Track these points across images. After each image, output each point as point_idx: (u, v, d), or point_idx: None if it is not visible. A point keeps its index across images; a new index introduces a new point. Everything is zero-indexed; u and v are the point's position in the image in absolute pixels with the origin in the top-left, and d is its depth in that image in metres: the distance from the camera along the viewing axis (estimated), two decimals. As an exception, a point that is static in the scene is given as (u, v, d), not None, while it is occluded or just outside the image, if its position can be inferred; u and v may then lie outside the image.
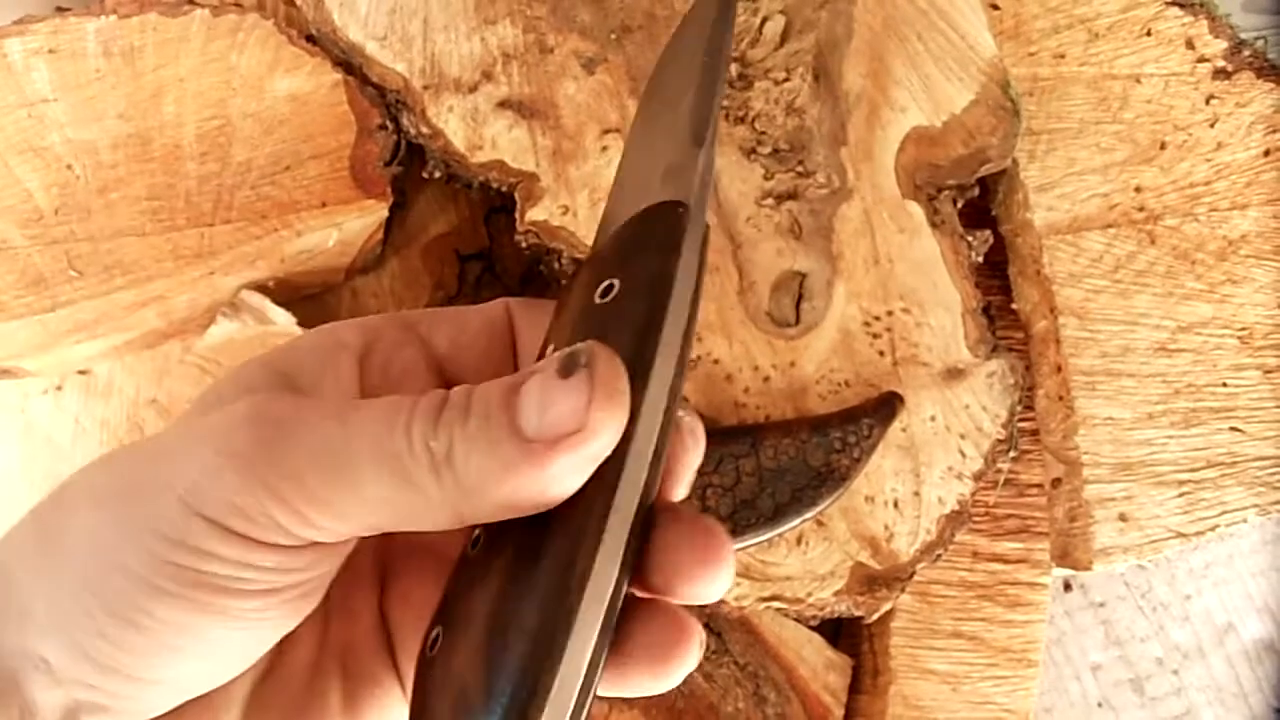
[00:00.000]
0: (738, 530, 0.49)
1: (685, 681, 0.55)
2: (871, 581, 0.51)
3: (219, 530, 0.25)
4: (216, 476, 0.26)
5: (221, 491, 0.25)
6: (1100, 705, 0.59)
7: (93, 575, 0.26)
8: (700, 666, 0.55)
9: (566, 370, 0.25)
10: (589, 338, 0.26)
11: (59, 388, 0.57)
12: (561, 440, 0.25)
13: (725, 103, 0.53)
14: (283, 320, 0.53)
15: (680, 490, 0.31)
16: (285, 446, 0.26)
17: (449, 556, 0.29)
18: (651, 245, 0.29)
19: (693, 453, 0.30)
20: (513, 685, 0.24)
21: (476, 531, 0.28)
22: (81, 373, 0.57)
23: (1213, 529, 0.51)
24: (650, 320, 0.27)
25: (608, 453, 0.25)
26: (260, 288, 0.54)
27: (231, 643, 0.27)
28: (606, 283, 0.28)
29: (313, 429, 0.26)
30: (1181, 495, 0.51)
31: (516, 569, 0.26)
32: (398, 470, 0.25)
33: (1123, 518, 0.51)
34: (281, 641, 0.29)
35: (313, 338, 0.32)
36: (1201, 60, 0.58)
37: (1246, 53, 0.58)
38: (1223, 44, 0.57)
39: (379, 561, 0.33)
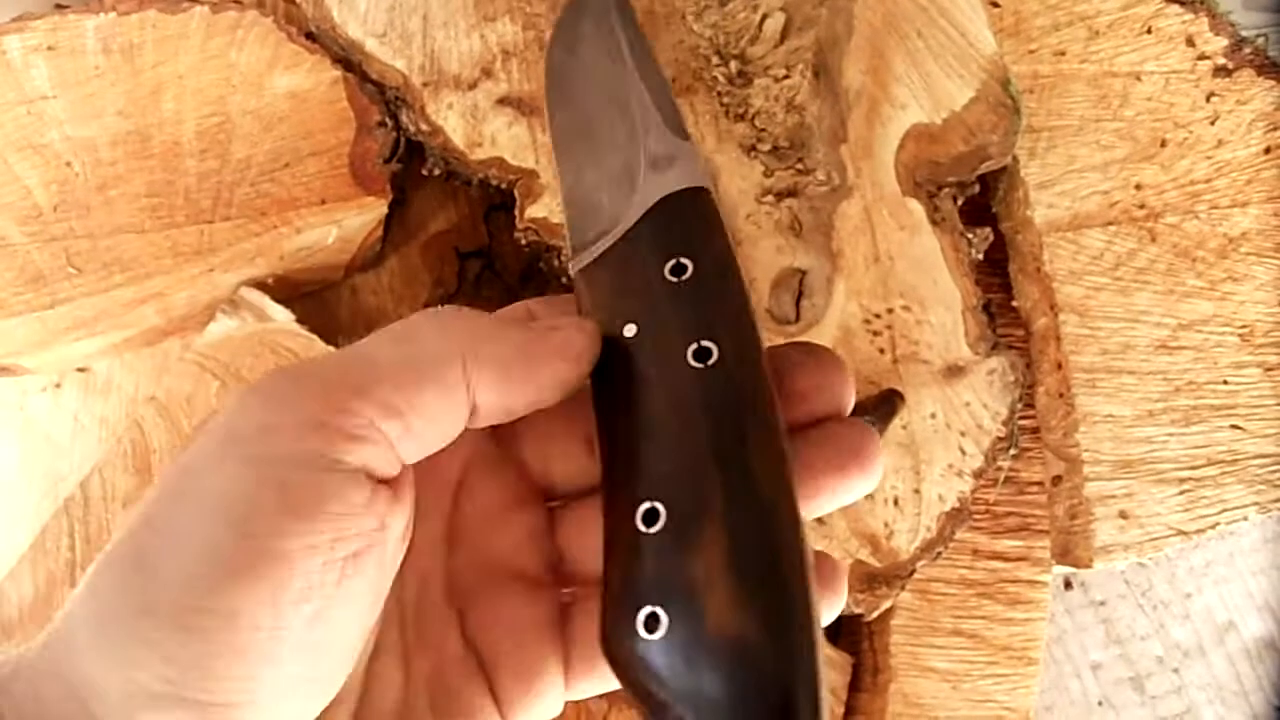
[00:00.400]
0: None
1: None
2: (871, 579, 0.51)
3: (286, 461, 0.26)
4: (258, 411, 0.27)
5: (270, 420, 0.27)
6: (1101, 704, 0.59)
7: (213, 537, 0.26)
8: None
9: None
10: (677, 312, 0.31)
11: (58, 385, 0.57)
12: (565, 335, 0.31)
13: (725, 100, 0.53)
14: (282, 317, 0.53)
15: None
16: (320, 369, 0.28)
17: (526, 574, 0.32)
18: (700, 226, 0.33)
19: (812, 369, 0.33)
20: (783, 601, 0.26)
21: (646, 507, 0.29)
22: (81, 370, 0.57)
23: (1213, 526, 0.51)
24: (737, 288, 0.32)
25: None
26: (260, 285, 0.54)
27: (326, 641, 0.27)
28: (674, 262, 0.32)
29: (338, 355, 0.30)
30: (1182, 493, 0.51)
31: (716, 529, 0.27)
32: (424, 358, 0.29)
33: (1123, 515, 0.51)
34: (367, 681, 0.30)
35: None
36: (1202, 58, 0.58)
37: (1247, 50, 0.58)
38: (1223, 41, 0.57)
39: (451, 593, 0.33)
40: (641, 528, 0.28)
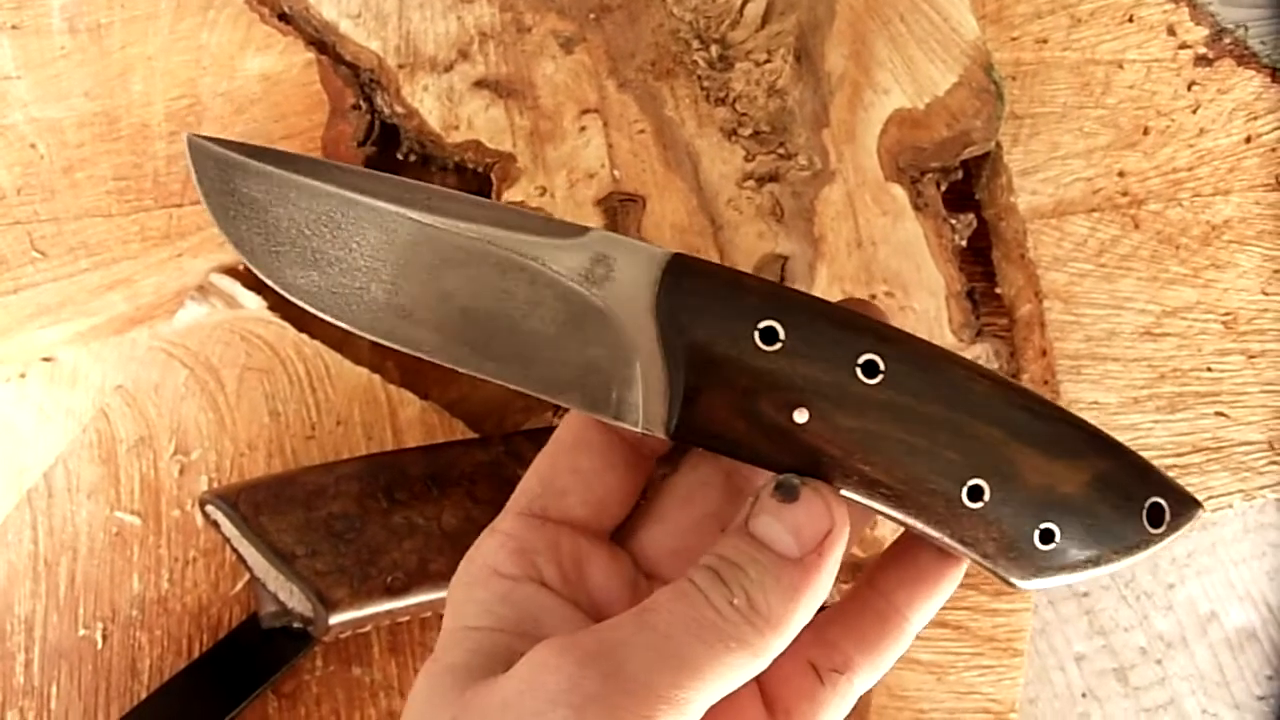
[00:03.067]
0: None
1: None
2: (855, 569, 0.51)
3: None
4: None
5: None
6: (1085, 695, 0.59)
7: None
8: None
9: (789, 494, 0.29)
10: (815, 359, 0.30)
11: (23, 375, 0.55)
12: (824, 544, 0.29)
13: (706, 84, 0.52)
14: (253, 305, 0.52)
15: None
16: (623, 670, 0.27)
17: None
18: (714, 283, 0.31)
19: None
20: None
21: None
22: (46, 360, 0.55)
23: (1198, 514, 0.51)
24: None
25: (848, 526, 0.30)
26: (230, 271, 0.52)
27: None
28: (764, 326, 0.30)
29: (633, 644, 0.27)
30: (1167, 480, 0.51)
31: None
32: (720, 635, 0.28)
33: (1108, 503, 0.50)
34: None
35: (477, 591, 0.31)
36: (1183, 47, 0.58)
37: (1227, 40, 0.58)
38: (1204, 31, 0.57)
39: None
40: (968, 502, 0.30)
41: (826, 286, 0.51)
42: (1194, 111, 0.57)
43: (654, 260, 0.30)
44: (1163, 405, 0.52)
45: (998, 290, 0.56)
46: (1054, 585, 0.31)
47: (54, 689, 0.48)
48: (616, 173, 0.51)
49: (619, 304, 0.30)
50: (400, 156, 0.53)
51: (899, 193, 0.52)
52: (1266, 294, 0.54)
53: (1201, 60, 0.57)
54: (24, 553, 0.49)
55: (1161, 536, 0.30)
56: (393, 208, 0.30)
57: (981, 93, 0.52)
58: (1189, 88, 0.57)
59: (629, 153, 0.51)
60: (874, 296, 0.51)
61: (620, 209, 0.51)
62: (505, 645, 0.29)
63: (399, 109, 0.51)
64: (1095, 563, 0.30)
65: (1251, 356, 0.53)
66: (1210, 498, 0.51)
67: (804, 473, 0.30)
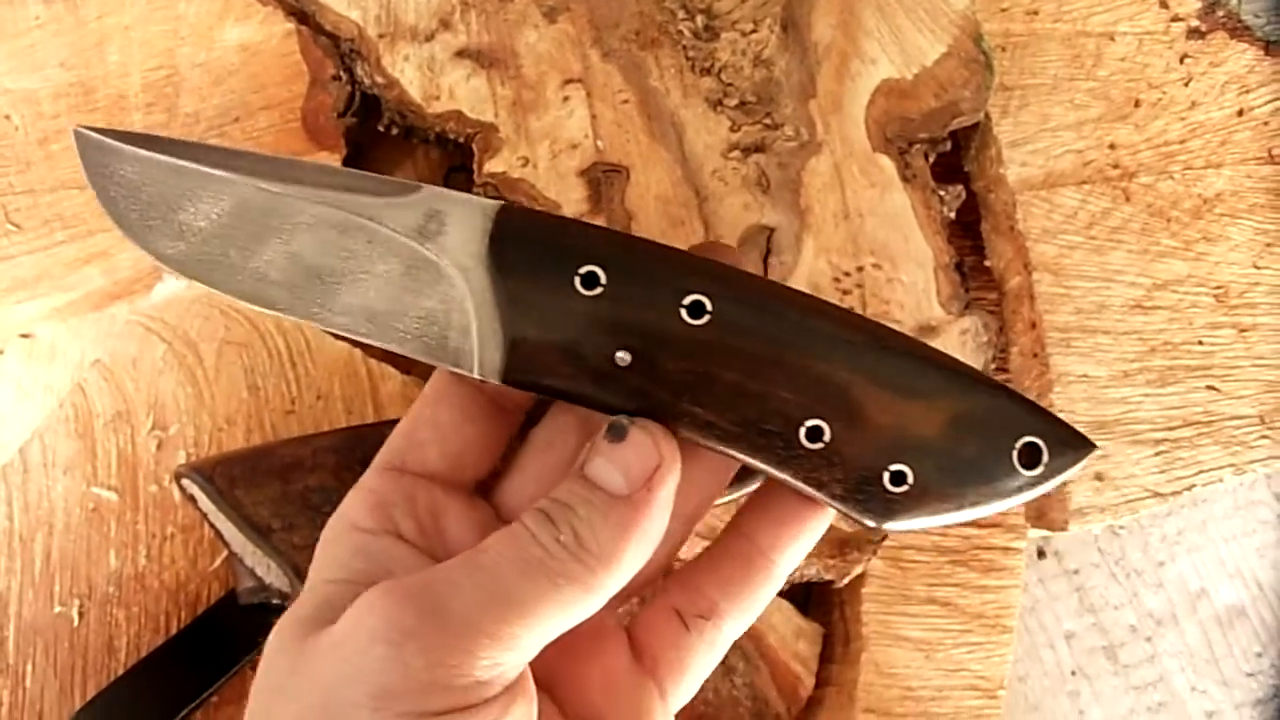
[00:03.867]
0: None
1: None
2: (842, 544, 0.50)
3: (420, 718, 0.26)
4: (399, 666, 0.26)
5: (411, 676, 0.26)
6: (1074, 673, 0.58)
7: None
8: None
9: (618, 434, 0.30)
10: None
11: (0, 352, 0.55)
12: (652, 480, 0.29)
13: (691, 54, 0.51)
14: (232, 278, 0.51)
15: None
16: (445, 607, 0.27)
17: (584, 627, 0.31)
18: (545, 230, 0.32)
19: None
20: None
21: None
22: (24, 336, 0.55)
23: (1189, 488, 0.50)
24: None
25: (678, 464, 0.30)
26: (209, 244, 0.51)
27: None
28: (583, 272, 0.30)
29: (456, 583, 0.28)
30: (1158, 454, 0.50)
31: None
32: (548, 571, 0.28)
33: (1099, 477, 0.50)
34: None
35: (335, 548, 0.32)
36: (1175, 19, 0.57)
37: (1220, 13, 0.57)
38: (1196, 4, 0.57)
39: (538, 682, 0.33)
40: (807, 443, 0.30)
41: (813, 259, 0.50)
42: (1186, 84, 0.56)
43: (484, 212, 0.31)
44: (1153, 379, 0.51)
45: (987, 263, 0.55)
46: (916, 528, 0.31)
47: (29, 666, 0.47)
48: (600, 143, 0.50)
49: (451, 256, 0.31)
50: (381, 128, 0.52)
51: (887, 164, 0.51)
52: (1258, 267, 0.54)
53: (1194, 33, 0.57)
54: (-1, 529, 0.48)
55: (1042, 479, 0.30)
56: (245, 179, 0.32)
57: (970, 63, 0.52)
58: (1181, 60, 0.56)
59: (613, 123, 0.50)
60: (861, 269, 0.50)
61: (604, 180, 0.50)
62: (354, 596, 0.29)
63: (379, 79, 0.50)
64: (959, 505, 0.30)
65: (1243, 330, 0.53)
66: (1201, 472, 0.50)
67: (639, 414, 0.30)
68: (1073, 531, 0.48)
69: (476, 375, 0.31)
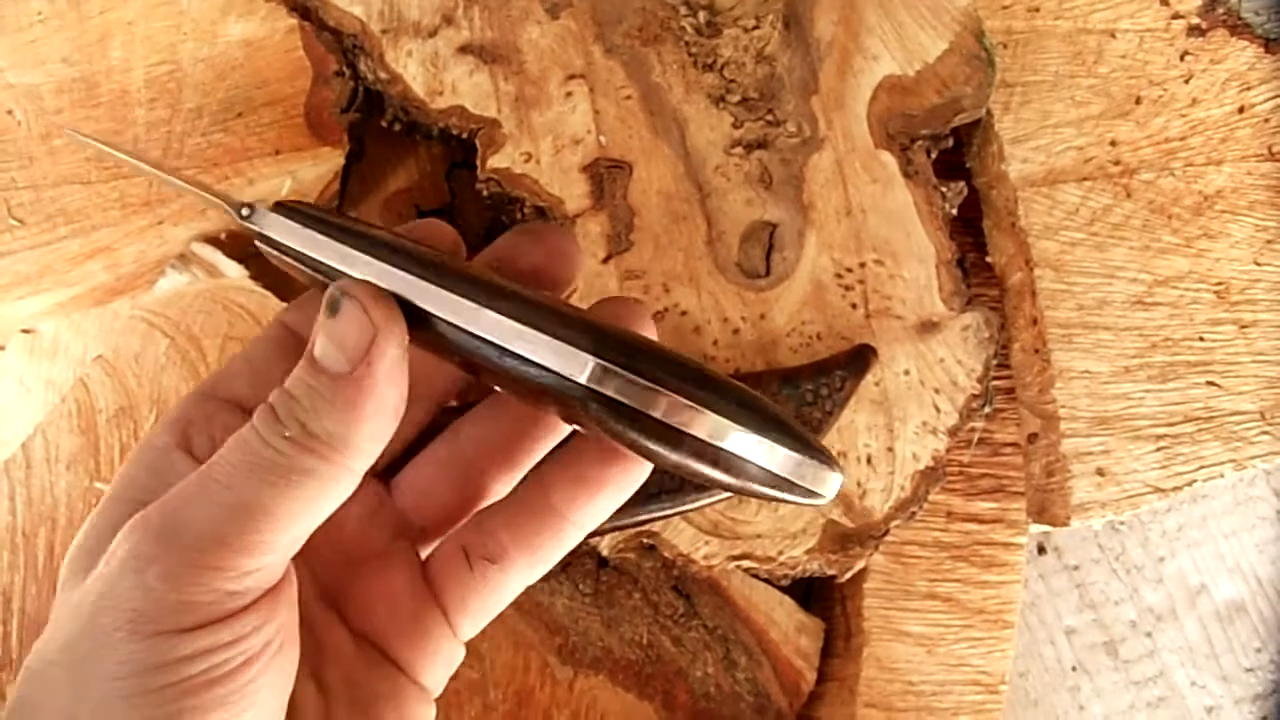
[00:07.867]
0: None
1: (653, 646, 0.53)
2: (844, 539, 0.50)
3: (177, 635, 0.26)
4: (145, 590, 0.26)
5: (158, 599, 0.26)
6: (1074, 669, 0.59)
7: None
8: (668, 630, 0.53)
9: (333, 309, 0.29)
10: None
11: (2, 348, 0.55)
12: (370, 352, 0.28)
13: (694, 50, 0.51)
14: (234, 273, 0.51)
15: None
16: (183, 527, 0.27)
17: (377, 549, 0.33)
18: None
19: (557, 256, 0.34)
20: None
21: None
22: (26, 331, 0.55)
23: (1190, 484, 0.50)
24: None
25: (405, 335, 0.29)
26: (212, 240, 0.52)
27: None
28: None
29: (192, 500, 0.28)
30: (1159, 450, 0.51)
31: None
32: (280, 470, 0.28)
33: (1100, 472, 0.50)
34: (290, 715, 0.30)
35: (130, 467, 0.32)
36: (1176, 17, 0.57)
37: (1220, 10, 0.57)
38: (1196, 1, 0.57)
39: (324, 598, 0.34)
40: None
41: (815, 255, 0.50)
42: (1186, 81, 0.56)
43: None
44: (1154, 374, 0.51)
45: (988, 259, 0.55)
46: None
47: (33, 661, 0.47)
48: (602, 139, 0.50)
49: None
50: (384, 124, 0.52)
51: (889, 160, 0.51)
52: (1259, 264, 0.54)
53: (1194, 30, 0.57)
54: (2, 524, 0.48)
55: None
56: None
57: (972, 60, 0.52)
58: (1182, 58, 0.56)
59: (615, 119, 0.51)
60: (863, 265, 0.51)
61: (607, 175, 0.50)
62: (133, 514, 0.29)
63: (383, 75, 0.50)
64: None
65: (1243, 326, 0.53)
66: (1202, 467, 0.51)
67: None
68: (1073, 527, 0.48)
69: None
